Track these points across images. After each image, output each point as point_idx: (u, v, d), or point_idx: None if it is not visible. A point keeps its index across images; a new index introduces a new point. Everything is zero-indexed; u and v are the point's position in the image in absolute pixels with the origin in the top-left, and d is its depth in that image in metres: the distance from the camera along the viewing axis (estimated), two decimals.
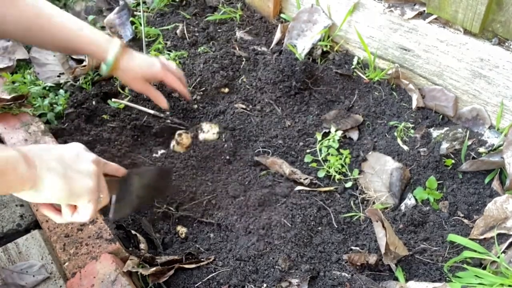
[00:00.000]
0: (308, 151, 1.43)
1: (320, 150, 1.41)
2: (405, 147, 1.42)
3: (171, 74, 1.27)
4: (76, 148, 0.87)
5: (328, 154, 1.39)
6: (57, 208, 0.86)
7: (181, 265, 1.11)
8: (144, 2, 1.94)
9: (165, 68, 1.25)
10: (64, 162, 0.81)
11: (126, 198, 1.01)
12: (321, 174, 1.37)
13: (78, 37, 1.11)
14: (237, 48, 1.72)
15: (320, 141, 1.43)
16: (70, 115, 1.48)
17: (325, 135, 1.46)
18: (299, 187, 1.32)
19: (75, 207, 0.85)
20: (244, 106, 1.55)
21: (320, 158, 1.39)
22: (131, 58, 1.19)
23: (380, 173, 1.37)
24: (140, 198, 1.08)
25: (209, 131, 1.39)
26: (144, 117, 1.50)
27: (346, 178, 1.36)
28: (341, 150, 1.40)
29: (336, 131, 1.44)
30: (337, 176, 1.35)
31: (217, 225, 1.25)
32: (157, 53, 1.60)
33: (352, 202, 1.32)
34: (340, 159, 1.38)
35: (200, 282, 1.09)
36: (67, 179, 0.80)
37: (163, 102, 1.30)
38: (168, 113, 1.52)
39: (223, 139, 1.40)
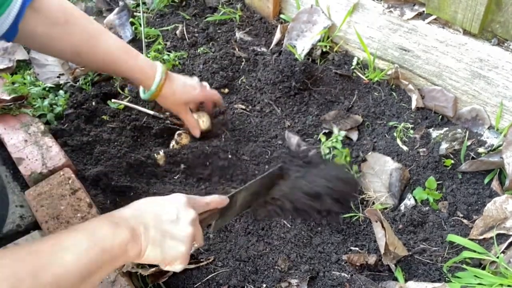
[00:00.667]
0: None
1: (323, 150, 1.41)
2: (405, 148, 1.42)
3: (209, 90, 1.35)
4: (177, 206, 0.85)
5: (334, 155, 1.39)
6: None
7: None
8: (144, 3, 1.94)
9: (203, 89, 1.32)
10: (162, 228, 0.81)
11: (227, 215, 1.01)
12: None
13: (122, 64, 1.14)
14: (237, 49, 1.72)
15: (323, 142, 1.43)
16: (70, 115, 1.48)
17: (325, 135, 1.46)
18: None
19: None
20: (243, 107, 1.55)
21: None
22: (172, 84, 1.24)
23: (379, 173, 1.37)
24: (245, 206, 1.08)
25: (197, 121, 1.38)
26: (144, 117, 1.50)
27: None
28: (341, 150, 1.40)
29: (339, 131, 1.44)
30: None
31: None
32: (157, 54, 1.61)
33: (351, 202, 1.32)
34: (340, 158, 1.38)
35: (200, 283, 1.09)
36: (163, 248, 0.81)
37: (196, 131, 1.36)
38: (167, 113, 1.52)
39: (223, 139, 1.41)
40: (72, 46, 1.07)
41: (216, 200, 0.95)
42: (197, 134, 1.37)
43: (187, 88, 1.28)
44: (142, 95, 1.26)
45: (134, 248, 0.76)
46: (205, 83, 1.40)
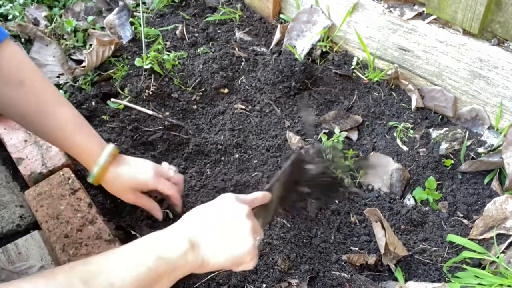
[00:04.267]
0: None
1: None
2: (405, 148, 1.42)
3: (165, 181, 1.11)
4: (229, 205, 0.83)
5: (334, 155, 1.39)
6: None
7: None
8: (144, 3, 1.94)
9: (158, 175, 1.10)
10: (221, 230, 0.78)
11: (269, 212, 0.99)
12: None
13: (66, 140, 1.03)
14: (237, 49, 1.72)
15: (324, 142, 1.43)
16: None
17: (325, 135, 1.46)
18: None
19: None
20: (243, 107, 1.55)
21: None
22: (120, 169, 1.07)
23: (381, 173, 1.37)
24: (282, 200, 1.03)
25: None
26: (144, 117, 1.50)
27: (354, 180, 1.36)
28: (344, 151, 1.40)
29: (340, 131, 1.44)
30: (346, 180, 1.36)
31: None
32: (156, 54, 1.61)
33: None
34: (345, 160, 1.38)
35: (200, 283, 1.09)
36: (229, 249, 0.78)
37: (158, 213, 1.15)
38: (167, 113, 1.52)
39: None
40: (18, 108, 0.99)
41: (259, 196, 0.93)
42: (159, 217, 1.16)
43: (136, 172, 1.08)
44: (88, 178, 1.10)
45: (194, 257, 0.74)
46: (171, 167, 1.18)
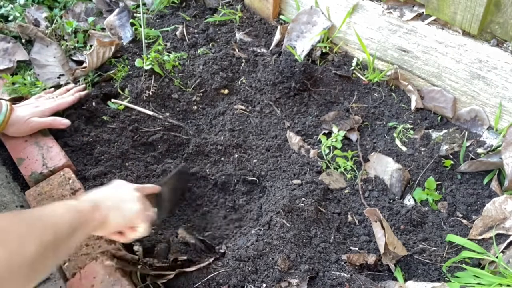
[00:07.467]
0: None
1: (324, 151, 1.42)
2: (404, 148, 1.42)
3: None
4: (118, 184, 1.06)
5: (334, 155, 1.40)
6: (120, 232, 1.03)
7: (181, 270, 1.12)
8: (144, 4, 1.94)
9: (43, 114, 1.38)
10: (116, 198, 1.00)
11: (162, 206, 1.18)
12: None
13: None
14: (237, 50, 1.72)
15: (323, 142, 1.43)
16: (70, 116, 1.48)
17: (325, 136, 1.46)
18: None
19: (133, 227, 1.03)
20: (243, 107, 1.56)
21: (326, 160, 1.40)
22: (13, 115, 1.32)
23: (381, 174, 1.37)
24: (171, 201, 1.24)
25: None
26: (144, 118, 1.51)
27: (352, 181, 1.37)
28: (343, 152, 1.41)
29: (338, 131, 1.44)
30: (348, 176, 1.36)
31: None
32: (157, 55, 1.61)
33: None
34: (347, 160, 1.38)
35: (200, 283, 1.09)
36: (121, 211, 0.98)
37: (62, 121, 1.41)
38: (167, 114, 1.52)
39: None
40: None
41: (149, 186, 1.16)
42: (65, 123, 1.41)
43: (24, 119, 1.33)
44: None
45: (98, 215, 0.90)
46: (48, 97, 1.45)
